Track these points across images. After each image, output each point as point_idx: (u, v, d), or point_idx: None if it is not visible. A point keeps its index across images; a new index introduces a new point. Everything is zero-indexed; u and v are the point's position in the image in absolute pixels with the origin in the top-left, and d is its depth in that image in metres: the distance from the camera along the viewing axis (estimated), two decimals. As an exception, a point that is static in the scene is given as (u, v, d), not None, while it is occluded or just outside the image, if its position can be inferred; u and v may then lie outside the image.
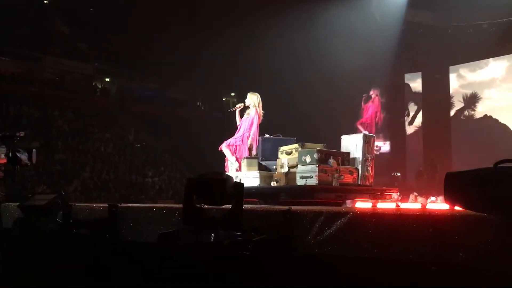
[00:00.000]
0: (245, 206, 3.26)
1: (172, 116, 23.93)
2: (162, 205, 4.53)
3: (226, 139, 7.17)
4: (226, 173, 6.84)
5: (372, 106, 10.33)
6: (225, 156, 7.15)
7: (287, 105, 17.85)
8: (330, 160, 5.90)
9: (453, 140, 17.22)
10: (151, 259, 3.44)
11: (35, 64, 22.62)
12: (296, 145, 6.34)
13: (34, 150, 5.66)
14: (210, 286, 2.98)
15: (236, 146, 7.02)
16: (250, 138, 6.97)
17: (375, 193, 6.37)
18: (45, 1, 24.09)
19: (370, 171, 6.34)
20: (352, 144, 6.41)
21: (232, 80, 22.42)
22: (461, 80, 17.46)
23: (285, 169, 6.30)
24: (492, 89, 16.61)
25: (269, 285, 2.99)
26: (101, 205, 4.38)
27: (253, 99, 7.10)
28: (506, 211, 2.27)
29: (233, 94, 27.47)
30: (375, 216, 2.85)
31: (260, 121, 7.09)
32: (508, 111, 15.91)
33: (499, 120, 16.14)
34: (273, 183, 6.30)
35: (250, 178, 6.39)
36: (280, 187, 6.15)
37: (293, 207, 3.22)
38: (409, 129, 18.49)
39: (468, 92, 17.07)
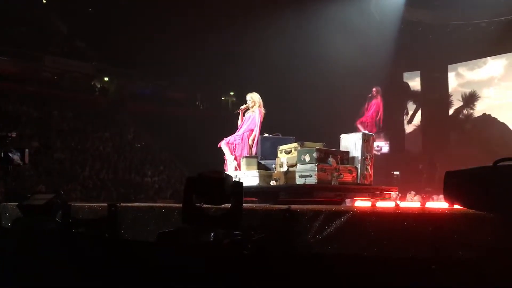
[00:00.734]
0: (245, 205, 3.26)
1: (171, 115, 23.93)
2: (161, 204, 4.53)
3: (226, 137, 7.18)
4: (225, 171, 6.84)
5: (374, 105, 10.34)
6: (224, 153, 7.16)
7: (286, 104, 17.86)
8: (329, 159, 5.90)
9: (452, 138, 17.24)
10: (151, 259, 3.44)
11: (34, 64, 22.60)
12: (295, 144, 6.33)
13: (26, 150, 5.66)
14: (209, 285, 2.98)
15: (235, 144, 7.02)
16: (252, 136, 6.99)
17: (374, 192, 6.37)
18: (44, 1, 24.07)
19: (370, 170, 6.34)
20: (351, 143, 6.40)
21: (231, 79, 22.44)
22: (459, 78, 17.46)
23: (284, 168, 6.29)
24: (491, 87, 16.62)
25: (269, 284, 2.99)
26: (101, 204, 4.38)
27: (257, 98, 7.15)
28: (506, 210, 2.27)
29: (232, 93, 27.47)
30: (374, 215, 2.85)
31: (262, 120, 7.14)
32: (507, 110, 15.92)
33: (498, 119, 16.15)
34: (272, 182, 6.30)
35: (249, 177, 6.39)
36: (280, 186, 6.15)
37: (293, 206, 3.22)
38: (408, 128, 18.49)
39: (467, 91, 17.08)
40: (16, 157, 5.44)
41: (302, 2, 16.76)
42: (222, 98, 28.21)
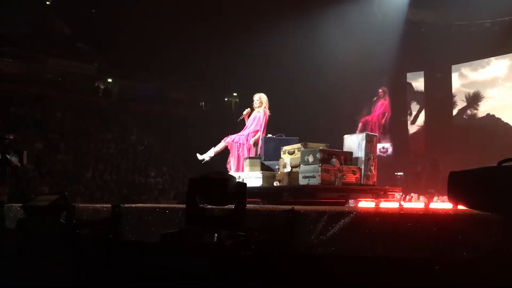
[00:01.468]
0: (248, 206, 3.26)
1: (174, 116, 23.95)
2: (165, 205, 4.54)
3: (232, 134, 7.22)
4: (228, 172, 6.85)
5: (382, 105, 10.30)
6: (227, 154, 7.17)
7: (289, 104, 17.83)
8: (332, 159, 5.89)
9: (456, 139, 17.17)
10: (154, 260, 3.44)
11: (37, 65, 22.64)
12: (298, 145, 6.33)
13: (24, 152, 5.68)
14: (213, 286, 2.98)
15: (240, 144, 7.04)
16: (256, 137, 7.01)
17: (378, 193, 6.36)
18: (47, 2, 24.13)
19: (373, 171, 6.33)
20: (355, 143, 6.39)
21: (234, 80, 22.44)
22: (463, 79, 17.42)
23: (288, 169, 6.29)
24: (495, 88, 16.57)
25: (273, 285, 2.99)
26: (104, 205, 4.39)
27: (264, 99, 7.19)
28: (510, 210, 2.26)
29: (235, 94, 27.47)
30: (378, 216, 2.85)
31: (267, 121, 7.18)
32: (511, 110, 15.87)
33: (502, 119, 16.09)
34: (275, 183, 6.30)
35: (252, 178, 6.39)
36: (283, 187, 6.15)
37: (296, 207, 3.22)
38: (412, 129, 18.45)
39: (471, 91, 17.03)
40: (14, 159, 5.45)
41: (305, 4, 16.75)
42: (225, 99, 28.22)
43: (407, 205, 8.34)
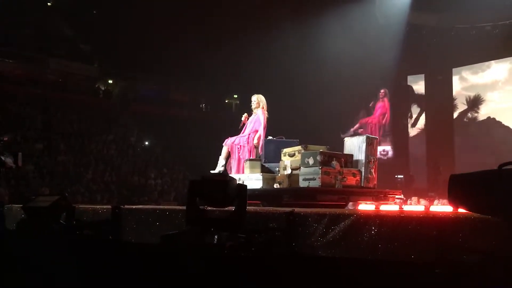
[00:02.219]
0: (248, 208, 3.27)
1: (175, 118, 23.96)
2: (165, 206, 4.54)
3: (231, 136, 7.20)
4: (228, 174, 6.85)
5: (382, 107, 10.29)
6: (228, 156, 7.16)
7: (290, 107, 17.84)
8: (333, 162, 5.89)
9: (456, 142, 17.18)
10: (155, 261, 3.44)
11: (39, 66, 22.67)
12: (299, 147, 6.33)
13: (20, 153, 5.69)
14: (213, 287, 2.98)
15: (240, 146, 7.03)
16: (257, 136, 6.99)
17: (378, 195, 6.36)
18: (49, 3, 24.17)
19: (373, 173, 6.33)
20: (355, 146, 6.39)
21: (235, 82, 22.45)
22: (463, 82, 17.43)
23: (288, 171, 6.29)
24: (495, 91, 16.58)
25: (273, 287, 2.99)
26: (104, 206, 4.39)
27: (262, 100, 7.18)
28: (510, 213, 2.26)
29: (235, 96, 27.48)
30: (378, 218, 2.85)
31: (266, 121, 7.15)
32: (511, 113, 15.88)
33: (503, 122, 16.10)
34: (276, 185, 6.29)
35: (252, 180, 6.38)
36: (283, 189, 6.14)
37: (296, 209, 3.23)
38: (412, 131, 18.45)
39: (471, 94, 17.04)
40: (8, 160, 5.46)
41: (307, 7, 16.76)
42: (226, 101, 28.23)
43: (407, 208, 8.33)
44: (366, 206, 6.49)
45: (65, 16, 23.82)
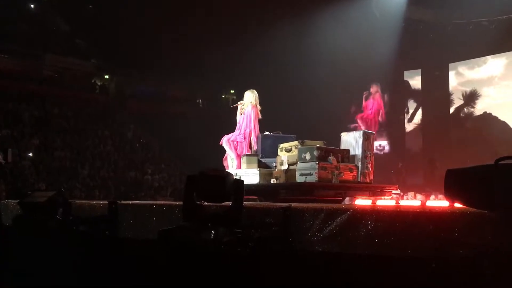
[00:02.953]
0: (245, 203, 3.27)
1: (171, 114, 23.93)
2: (162, 202, 4.53)
3: (227, 134, 7.18)
4: (225, 169, 6.85)
5: (375, 103, 10.26)
6: (225, 151, 7.15)
7: (287, 102, 17.83)
8: (329, 157, 5.90)
9: (453, 137, 17.21)
10: (151, 256, 3.45)
11: (35, 62, 22.58)
12: (295, 142, 6.33)
13: (10, 149, 5.68)
14: (210, 283, 2.98)
15: (237, 142, 7.02)
16: (249, 133, 6.99)
17: (374, 190, 6.37)
18: (45, -2, 24.06)
19: (370, 169, 6.34)
20: (352, 141, 6.40)
21: (231, 77, 22.41)
22: (459, 77, 17.44)
23: (285, 166, 6.30)
24: (491, 86, 16.60)
25: (269, 282, 3.00)
26: (101, 202, 4.38)
27: (249, 96, 7.14)
28: (507, 208, 2.27)
29: (232, 91, 27.45)
30: (375, 213, 2.85)
31: (259, 116, 7.11)
32: (507, 109, 15.90)
33: (499, 118, 16.13)
34: (272, 180, 6.30)
35: (249, 175, 6.39)
36: (280, 184, 6.15)
37: (293, 204, 3.23)
38: (409, 127, 18.48)
39: (467, 89, 17.06)
40: None
41: (303, 1, 16.73)
42: (223, 96, 28.20)
43: (404, 203, 8.36)
44: (362, 201, 6.51)
45: (62, 11, 23.71)
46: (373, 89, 10.39)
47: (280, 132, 7.26)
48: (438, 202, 8.34)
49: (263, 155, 6.94)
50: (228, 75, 22.36)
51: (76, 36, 24.40)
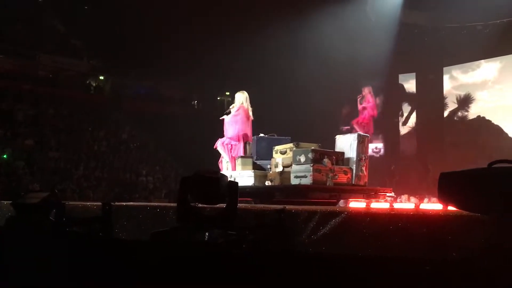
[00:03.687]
0: (240, 205, 3.27)
1: (166, 115, 23.88)
2: (156, 203, 4.53)
3: (221, 137, 7.17)
4: (220, 171, 6.84)
5: (368, 105, 10.31)
6: (219, 154, 7.15)
7: (281, 104, 17.85)
8: (324, 159, 5.91)
9: (447, 140, 17.29)
10: (145, 258, 3.43)
11: (29, 62, 22.48)
12: (290, 145, 6.34)
13: None
14: (203, 285, 2.97)
15: (231, 145, 7.01)
16: (242, 136, 6.98)
17: (369, 193, 6.39)
18: (40, -2, 23.98)
19: (364, 171, 6.36)
20: (346, 144, 6.42)
21: (227, 79, 22.41)
22: (453, 81, 17.54)
23: (280, 168, 6.30)
24: (485, 90, 16.70)
25: (264, 284, 2.99)
26: (95, 203, 4.37)
27: (239, 98, 7.14)
28: (500, 212, 2.28)
29: (227, 93, 27.43)
30: (369, 216, 2.86)
31: (250, 117, 7.08)
32: (501, 112, 16.00)
33: (492, 121, 16.22)
34: (267, 183, 6.31)
35: (244, 177, 6.39)
36: (275, 187, 6.16)
37: (288, 207, 3.23)
38: (403, 130, 18.55)
39: (461, 93, 17.15)
40: None
41: (299, 4, 16.76)
42: (218, 98, 28.19)
43: (397, 205, 8.38)
44: (357, 204, 6.52)
45: (56, 11, 23.63)
46: (365, 91, 10.49)
47: (275, 134, 7.27)
48: (432, 205, 8.37)
49: (258, 157, 6.94)
50: (223, 77, 22.36)
51: (71, 36, 24.32)
